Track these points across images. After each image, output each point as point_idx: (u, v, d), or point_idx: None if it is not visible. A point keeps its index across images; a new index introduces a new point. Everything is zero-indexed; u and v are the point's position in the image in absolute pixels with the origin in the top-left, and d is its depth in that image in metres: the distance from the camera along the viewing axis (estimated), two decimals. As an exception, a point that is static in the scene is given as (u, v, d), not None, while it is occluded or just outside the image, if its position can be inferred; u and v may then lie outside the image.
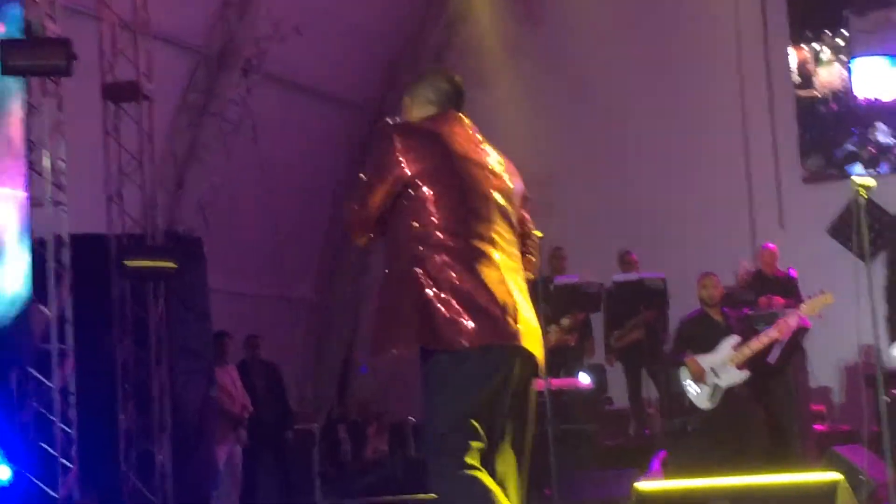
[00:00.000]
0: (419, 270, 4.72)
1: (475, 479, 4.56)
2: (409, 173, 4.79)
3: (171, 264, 11.77)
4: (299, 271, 18.53)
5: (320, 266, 19.48)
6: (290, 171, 17.20)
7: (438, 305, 4.67)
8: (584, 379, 13.11)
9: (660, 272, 13.93)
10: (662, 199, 17.38)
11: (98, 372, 11.40)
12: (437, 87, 5.10)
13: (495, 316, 4.70)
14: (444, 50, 19.21)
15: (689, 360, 11.33)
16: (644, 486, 6.88)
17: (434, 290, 4.69)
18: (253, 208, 16.43)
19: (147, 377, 11.87)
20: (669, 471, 11.18)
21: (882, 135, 16.92)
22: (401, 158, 4.80)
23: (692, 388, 11.34)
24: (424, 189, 4.78)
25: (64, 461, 10.19)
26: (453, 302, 4.67)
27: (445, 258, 4.73)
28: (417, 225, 4.78)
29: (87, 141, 12.09)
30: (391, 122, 4.97)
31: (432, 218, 4.78)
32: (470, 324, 4.65)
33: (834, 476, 6.33)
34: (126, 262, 11.61)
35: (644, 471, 11.09)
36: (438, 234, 4.77)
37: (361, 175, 4.90)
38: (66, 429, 10.27)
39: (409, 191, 4.79)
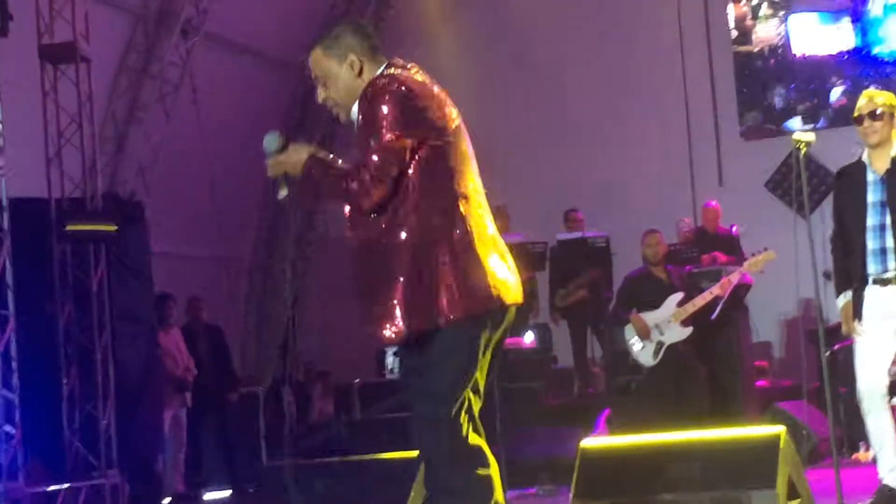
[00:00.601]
0: (443, 238, 4.68)
1: (488, 482, 4.69)
2: (430, 135, 4.71)
3: (111, 227, 11.68)
4: (240, 233, 18.46)
5: (260, 227, 19.42)
6: (231, 132, 17.08)
7: (468, 271, 4.68)
8: (529, 338, 13.15)
9: (603, 231, 13.97)
10: (604, 157, 17.42)
11: (40, 337, 11.29)
12: (369, 36, 4.96)
13: (507, 276, 4.80)
14: (384, 9, 19.12)
15: (633, 317, 11.42)
16: (589, 443, 6.92)
17: (461, 256, 4.69)
18: (193, 170, 16.32)
19: (89, 341, 11.78)
20: (614, 428, 11.25)
21: (819, 88, 17.04)
22: (425, 118, 4.70)
23: (636, 345, 11.43)
24: (434, 151, 4.71)
25: (7, 427, 10.10)
26: (475, 266, 4.70)
27: (462, 224, 4.71)
28: (431, 189, 4.70)
29: (26, 104, 11.95)
30: (401, 79, 4.75)
31: (444, 181, 4.73)
32: (492, 288, 4.71)
33: (776, 429, 6.38)
34: (67, 226, 11.50)
35: (589, 429, 11.16)
36: (452, 199, 4.73)
37: (385, 135, 4.62)
38: (9, 394, 10.17)
39: (423, 153, 4.71)
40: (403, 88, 4.68)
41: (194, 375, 13.12)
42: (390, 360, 14.72)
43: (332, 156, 4.82)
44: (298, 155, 4.78)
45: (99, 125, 13.72)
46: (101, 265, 11.95)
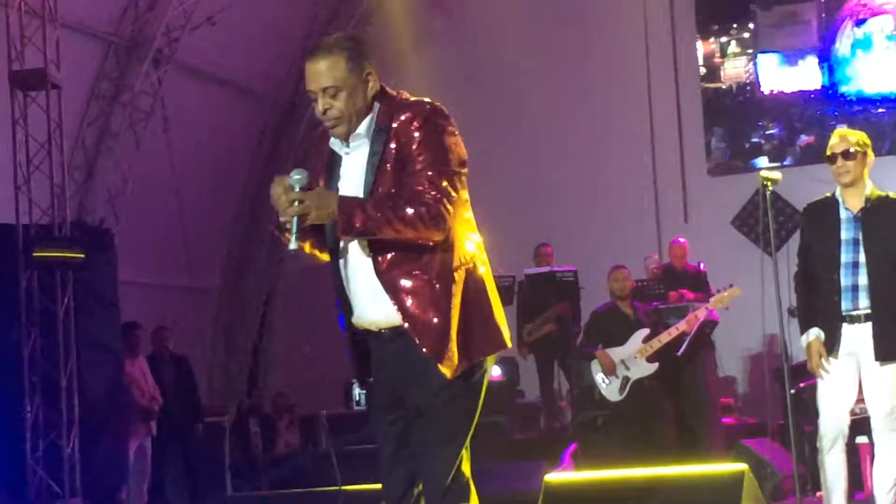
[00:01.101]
0: (475, 273, 4.70)
1: None
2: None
3: (79, 255, 11.67)
4: (207, 262, 18.43)
5: (228, 257, 19.40)
6: (201, 161, 17.11)
7: (496, 304, 4.73)
8: (495, 371, 13.17)
9: (571, 265, 14.00)
10: (572, 191, 17.49)
11: (4, 363, 11.26)
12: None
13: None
14: (355, 41, 19.18)
15: (599, 352, 11.45)
16: (554, 477, 6.94)
17: (489, 289, 4.73)
18: (163, 199, 16.30)
19: (54, 369, 11.74)
20: (580, 463, 11.28)
21: (786, 127, 17.18)
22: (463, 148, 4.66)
23: (603, 381, 11.45)
24: (462, 181, 4.68)
25: (-30, 455, 10.07)
26: (496, 300, 4.75)
27: (482, 258, 4.75)
28: (464, 219, 4.70)
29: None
30: (440, 106, 4.65)
31: (467, 212, 4.74)
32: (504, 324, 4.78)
33: (739, 467, 6.42)
34: (34, 253, 11.47)
35: (555, 464, 11.17)
36: (474, 232, 4.77)
37: (444, 166, 4.53)
38: (-27, 422, 10.15)
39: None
40: (451, 119, 4.65)
41: (160, 405, 13.05)
42: (356, 392, 14.72)
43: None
44: (326, 202, 4.46)
45: (69, 152, 13.72)
46: (69, 292, 11.93)
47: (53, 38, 12.40)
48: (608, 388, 11.44)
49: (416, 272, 4.57)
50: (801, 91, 17.07)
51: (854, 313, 7.29)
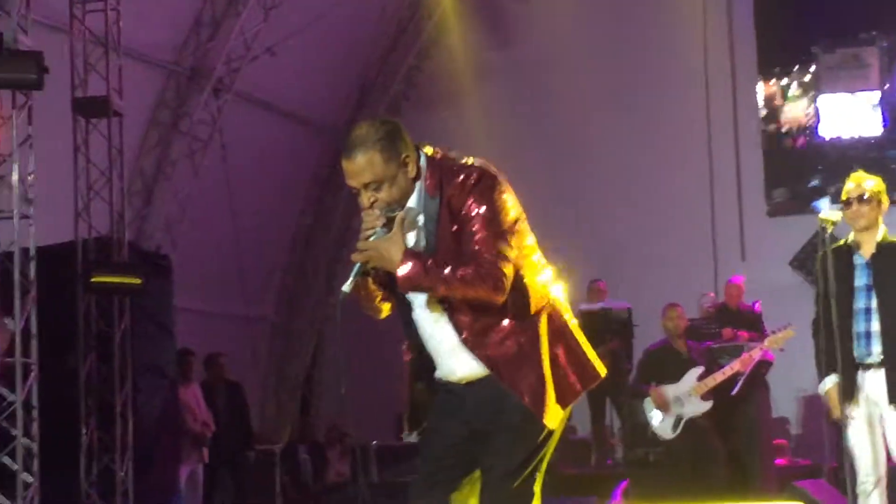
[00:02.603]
0: (555, 314, 4.77)
1: None
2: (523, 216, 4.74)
3: (137, 280, 11.73)
4: (262, 291, 18.53)
5: (282, 286, 19.48)
6: (257, 191, 17.20)
7: (581, 342, 4.85)
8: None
9: (625, 302, 13.97)
10: (628, 228, 17.42)
11: (61, 387, 11.33)
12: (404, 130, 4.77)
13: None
14: (415, 74, 19.27)
15: (653, 389, 11.41)
16: (609, 513, 6.92)
17: (572, 327, 4.85)
18: (219, 227, 16.41)
19: (110, 393, 11.82)
20: (631, 501, 11.22)
21: (847, 169, 17.02)
22: (516, 203, 4.71)
23: (656, 418, 11.41)
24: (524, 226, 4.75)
25: (25, 475, 10.11)
26: (581, 339, 4.86)
27: (557, 297, 4.83)
28: (530, 267, 4.75)
29: (56, 156, 12.05)
30: (490, 168, 4.68)
31: (534, 257, 4.79)
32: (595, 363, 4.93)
33: (794, 505, 6.38)
34: (92, 278, 11.56)
35: (605, 500, 11.13)
36: (543, 273, 4.82)
37: (499, 227, 4.55)
38: (28, 443, 10.20)
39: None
40: (500, 178, 4.67)
41: (212, 431, 13.10)
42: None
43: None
44: (391, 253, 4.49)
45: (127, 179, 13.82)
46: (125, 317, 12.02)
47: (116, 67, 12.52)
48: (661, 425, 11.40)
49: (501, 334, 4.64)
50: (862, 135, 16.97)
51: (867, 360, 7.27)
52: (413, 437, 11.42)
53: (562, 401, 4.70)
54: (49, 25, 12.75)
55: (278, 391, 19.30)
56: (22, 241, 10.44)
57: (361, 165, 4.55)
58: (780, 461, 13.35)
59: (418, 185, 4.66)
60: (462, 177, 4.61)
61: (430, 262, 4.49)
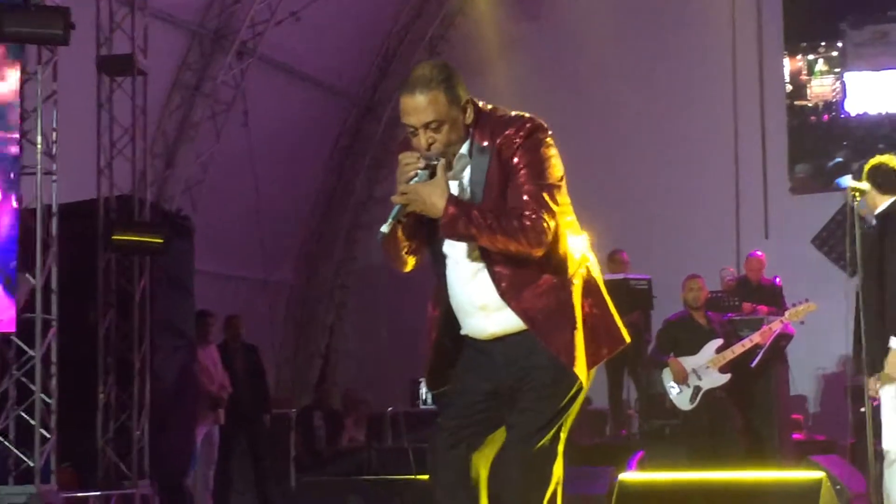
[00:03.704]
0: (589, 276, 4.76)
1: None
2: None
3: (158, 240, 11.73)
4: (281, 255, 18.52)
5: (302, 251, 19.48)
6: (278, 155, 17.19)
7: (610, 305, 4.85)
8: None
9: (646, 273, 13.94)
10: (651, 200, 17.39)
11: (80, 344, 11.34)
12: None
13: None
14: (439, 42, 19.20)
15: (671, 360, 11.40)
16: (629, 477, 6.90)
17: (603, 290, 4.83)
18: (239, 190, 16.40)
19: (128, 351, 11.84)
20: (646, 471, 11.21)
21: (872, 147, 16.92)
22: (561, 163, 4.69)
23: (674, 389, 11.39)
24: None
25: (42, 430, 10.14)
26: (609, 302, 4.86)
27: (590, 257, 4.84)
28: (568, 227, 4.75)
29: (80, 113, 12.04)
30: (541, 121, 4.67)
31: (568, 218, 4.78)
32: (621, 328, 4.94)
33: (817, 475, 6.35)
34: (114, 236, 11.56)
35: (621, 470, 11.10)
36: (579, 233, 4.84)
37: (545, 180, 4.56)
38: (46, 398, 10.23)
39: None
40: (550, 133, 4.66)
41: (229, 393, 13.11)
42: (424, 391, 14.74)
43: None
44: (434, 199, 4.45)
45: (150, 140, 13.81)
46: (146, 276, 12.02)
47: (142, 26, 12.50)
48: (679, 396, 11.39)
49: (539, 289, 4.62)
50: (888, 112, 16.87)
51: None
52: (430, 397, 11.38)
53: (590, 361, 4.69)
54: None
55: (296, 356, 19.32)
56: (44, 197, 10.45)
57: (424, 103, 4.53)
58: (796, 436, 13.32)
59: (469, 136, 4.65)
60: (514, 128, 4.60)
61: (473, 210, 4.47)
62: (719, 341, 11.39)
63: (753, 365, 11.43)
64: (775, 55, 17.53)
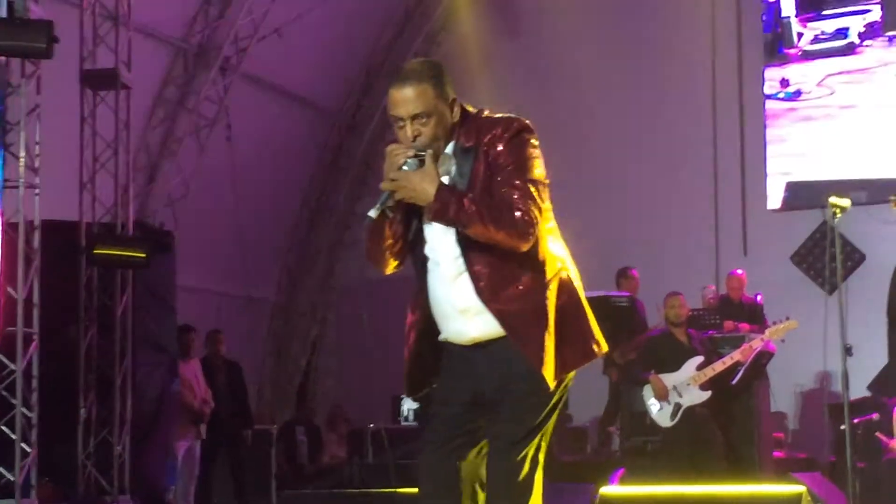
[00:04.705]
0: (567, 282, 4.73)
1: None
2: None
3: (140, 254, 11.72)
4: (263, 272, 18.52)
5: (284, 267, 19.50)
6: (261, 171, 17.21)
7: (589, 315, 4.78)
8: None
9: (625, 292, 13.97)
10: (630, 220, 17.42)
11: (61, 358, 11.34)
12: None
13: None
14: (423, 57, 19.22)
15: (652, 377, 11.40)
16: (609, 491, 6.93)
17: (582, 299, 4.78)
18: (221, 206, 16.42)
19: (109, 367, 11.83)
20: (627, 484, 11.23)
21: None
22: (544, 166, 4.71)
23: (654, 406, 11.41)
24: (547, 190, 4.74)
25: (23, 445, 10.13)
26: (587, 309, 4.80)
27: (570, 265, 4.80)
28: (548, 231, 4.74)
29: (63, 127, 12.04)
30: (528, 122, 4.70)
31: (549, 225, 4.76)
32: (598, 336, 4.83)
33: (797, 489, 6.38)
34: (95, 250, 11.56)
35: (602, 487, 11.13)
36: (559, 240, 4.82)
37: (531, 175, 4.59)
38: (27, 413, 10.21)
39: None
40: (536, 136, 4.70)
41: (211, 408, 13.10)
42: (405, 407, 14.74)
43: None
44: (425, 185, 4.49)
45: (133, 155, 13.82)
46: (127, 291, 12.02)
47: (125, 40, 12.52)
48: (659, 413, 11.39)
49: (517, 291, 4.62)
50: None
51: None
52: (412, 403, 11.37)
53: (560, 367, 4.65)
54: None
55: (277, 372, 19.32)
56: (27, 211, 10.44)
57: (413, 95, 4.58)
58: (777, 454, 13.35)
59: (454, 136, 4.69)
60: (500, 128, 4.65)
61: (464, 197, 4.50)
62: (700, 358, 11.41)
63: (734, 382, 11.45)
64: (755, 72, 17.57)
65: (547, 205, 4.70)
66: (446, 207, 4.47)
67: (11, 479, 10.02)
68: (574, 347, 4.71)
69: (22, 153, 10.38)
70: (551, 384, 4.61)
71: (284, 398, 19.09)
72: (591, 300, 13.36)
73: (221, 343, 13.78)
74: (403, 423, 14.76)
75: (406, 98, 4.59)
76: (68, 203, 12.06)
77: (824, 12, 17.14)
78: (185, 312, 13.41)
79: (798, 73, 17.33)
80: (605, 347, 4.84)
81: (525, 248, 4.56)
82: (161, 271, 12.43)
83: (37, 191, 10.52)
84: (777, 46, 17.46)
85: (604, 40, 17.81)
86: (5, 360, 10.19)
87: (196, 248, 15.45)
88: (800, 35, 17.30)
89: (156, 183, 16.22)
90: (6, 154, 10.41)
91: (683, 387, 11.33)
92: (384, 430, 13.87)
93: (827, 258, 7.30)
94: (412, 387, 4.94)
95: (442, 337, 4.83)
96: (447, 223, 4.56)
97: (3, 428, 10.16)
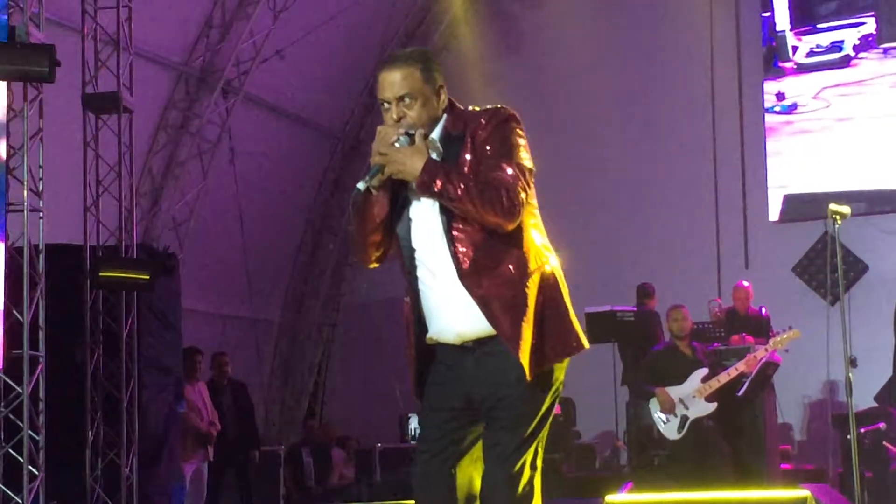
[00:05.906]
0: (549, 275, 4.70)
1: None
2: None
3: (145, 276, 11.74)
4: (268, 293, 18.55)
5: (289, 289, 19.51)
6: (264, 193, 17.26)
7: (570, 311, 4.76)
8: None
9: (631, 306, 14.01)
10: (632, 233, 17.44)
11: (68, 381, 11.34)
12: None
13: None
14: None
15: (658, 390, 11.42)
16: (616, 499, 6.93)
17: (564, 294, 4.75)
18: (225, 228, 16.45)
19: (116, 389, 11.84)
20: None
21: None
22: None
23: (661, 419, 11.41)
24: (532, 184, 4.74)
25: (31, 468, 10.12)
26: (568, 303, 4.77)
27: (553, 259, 4.78)
28: (532, 224, 4.74)
29: (66, 151, 12.08)
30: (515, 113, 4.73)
31: (532, 221, 4.76)
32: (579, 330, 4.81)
33: (802, 493, 6.39)
34: (100, 273, 11.58)
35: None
36: (543, 234, 4.80)
37: (521, 161, 4.62)
38: (34, 435, 10.21)
39: None
40: (523, 126, 4.73)
41: (218, 430, 13.10)
42: (412, 427, 14.76)
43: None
44: (413, 161, 4.52)
45: (136, 178, 13.85)
46: (132, 314, 12.03)
47: (127, 63, 12.55)
48: (666, 426, 11.41)
49: (499, 279, 4.59)
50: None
51: None
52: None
53: (540, 362, 4.62)
54: (61, 24, 12.82)
55: (283, 394, 19.32)
56: (31, 234, 10.45)
57: (399, 77, 4.64)
58: (784, 465, 13.34)
59: (441, 121, 4.72)
60: (488, 115, 4.69)
61: (452, 171, 4.53)
62: (705, 371, 11.43)
63: (741, 394, 11.46)
64: (755, 84, 17.60)
65: (533, 200, 4.72)
66: (433, 179, 4.49)
67: (20, 501, 10.00)
68: (554, 342, 4.67)
69: (25, 177, 10.39)
70: (528, 375, 4.56)
71: (291, 419, 19.09)
72: (597, 315, 13.51)
73: (227, 365, 13.79)
74: (412, 442, 14.77)
75: (392, 80, 4.65)
76: (73, 226, 12.08)
77: (819, 25, 17.22)
78: (190, 335, 13.43)
79: (794, 87, 17.40)
80: (585, 344, 4.79)
81: (510, 227, 4.56)
82: (166, 294, 12.43)
83: (41, 214, 10.52)
84: (773, 60, 17.52)
85: (603, 57, 17.88)
86: (12, 384, 10.19)
87: (201, 270, 15.49)
88: (795, 48, 17.36)
89: (160, 207, 16.24)
90: (10, 178, 10.42)
91: (689, 399, 11.35)
92: (391, 451, 13.88)
93: (829, 269, 7.28)
94: (420, 389, 4.92)
95: (431, 336, 4.80)
96: (433, 196, 4.58)
97: (11, 451, 10.15)
